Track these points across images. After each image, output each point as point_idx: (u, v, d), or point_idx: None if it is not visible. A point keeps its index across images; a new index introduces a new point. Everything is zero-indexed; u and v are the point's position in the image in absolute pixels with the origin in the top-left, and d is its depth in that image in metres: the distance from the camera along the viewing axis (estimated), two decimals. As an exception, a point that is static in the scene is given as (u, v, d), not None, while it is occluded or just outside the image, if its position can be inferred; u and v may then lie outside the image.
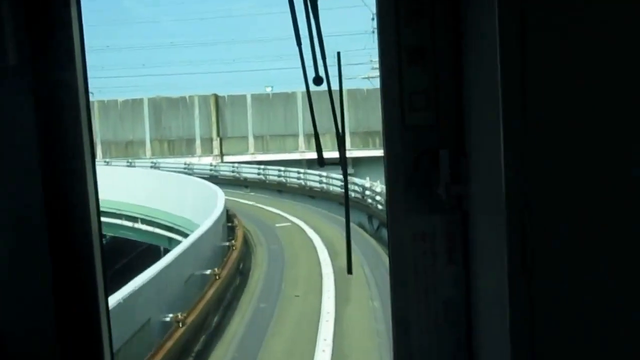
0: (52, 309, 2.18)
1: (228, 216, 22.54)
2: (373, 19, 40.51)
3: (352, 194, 25.75)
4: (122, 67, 74.16)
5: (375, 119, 40.57)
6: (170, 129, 46.84)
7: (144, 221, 27.95)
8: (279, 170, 35.79)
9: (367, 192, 25.57)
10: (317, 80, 2.28)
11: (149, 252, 26.87)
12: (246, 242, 21.02)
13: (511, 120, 1.66)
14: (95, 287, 2.22)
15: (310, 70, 2.27)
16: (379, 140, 41.63)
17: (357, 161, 40.03)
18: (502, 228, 1.69)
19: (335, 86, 2.34)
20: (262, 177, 36.93)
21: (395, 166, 2.15)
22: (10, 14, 2.10)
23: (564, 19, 1.65)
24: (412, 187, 2.15)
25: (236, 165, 40.45)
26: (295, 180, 34.25)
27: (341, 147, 2.49)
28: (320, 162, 2.49)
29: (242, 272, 18.06)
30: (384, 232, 21.34)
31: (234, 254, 17.82)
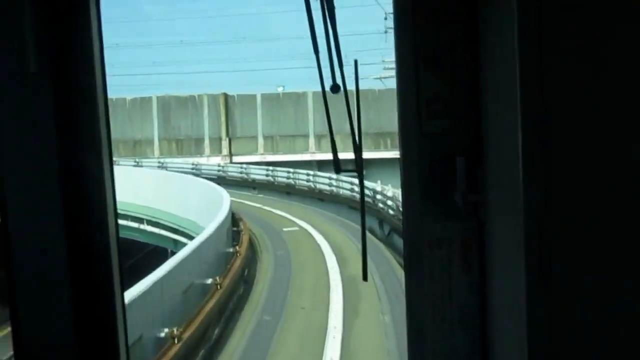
0: (70, 307, 2.21)
1: (234, 220, 22.22)
2: (386, 18, 39.98)
3: (362, 198, 25.07)
4: (131, 65, 73.42)
5: (387, 120, 40.09)
6: (179, 128, 46.49)
7: (149, 222, 27.69)
8: (288, 172, 35.43)
9: (378, 196, 24.80)
10: (335, 88, 2.33)
11: (155, 254, 26.48)
12: (252, 247, 20.67)
13: (530, 128, 1.64)
14: (111, 285, 2.27)
15: (326, 76, 2.31)
16: (390, 141, 41.19)
17: (368, 163, 39.35)
18: (520, 236, 1.67)
19: (351, 94, 2.40)
20: (270, 178, 36.56)
21: (411, 173, 2.18)
22: (31, 21, 2.11)
23: (582, 24, 1.63)
24: (428, 194, 2.17)
25: (244, 166, 40.18)
26: (304, 182, 33.92)
27: (358, 155, 2.48)
28: (337, 169, 2.54)
29: (246, 280, 17.60)
30: (396, 238, 20.67)
31: (238, 262, 17.34)
